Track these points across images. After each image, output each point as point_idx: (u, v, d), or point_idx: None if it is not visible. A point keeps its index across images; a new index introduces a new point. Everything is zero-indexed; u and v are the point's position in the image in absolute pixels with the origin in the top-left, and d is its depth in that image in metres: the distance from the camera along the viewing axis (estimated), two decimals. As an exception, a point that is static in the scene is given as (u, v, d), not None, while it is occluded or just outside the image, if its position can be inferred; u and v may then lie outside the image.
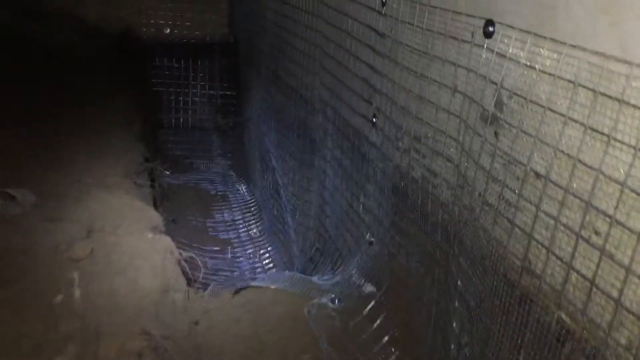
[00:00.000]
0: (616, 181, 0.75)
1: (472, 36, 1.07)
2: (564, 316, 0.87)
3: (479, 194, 1.06)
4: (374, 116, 1.54)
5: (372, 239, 1.61)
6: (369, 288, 1.60)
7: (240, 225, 2.81)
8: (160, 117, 3.22)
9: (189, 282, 1.61)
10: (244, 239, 2.72)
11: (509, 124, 0.96)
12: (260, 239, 2.69)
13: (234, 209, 2.96)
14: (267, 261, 2.50)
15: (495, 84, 1.00)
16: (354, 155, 1.69)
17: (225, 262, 2.47)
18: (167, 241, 1.52)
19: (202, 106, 3.31)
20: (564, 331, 0.87)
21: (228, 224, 2.83)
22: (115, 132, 2.40)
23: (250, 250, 2.61)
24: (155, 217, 1.63)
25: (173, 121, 3.29)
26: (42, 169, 1.83)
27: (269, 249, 2.58)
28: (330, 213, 1.93)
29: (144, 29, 3.15)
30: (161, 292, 1.41)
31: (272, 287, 1.63)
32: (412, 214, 1.37)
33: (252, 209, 2.92)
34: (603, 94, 0.77)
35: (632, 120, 0.72)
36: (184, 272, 1.56)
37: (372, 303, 1.54)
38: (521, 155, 0.93)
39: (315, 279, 1.79)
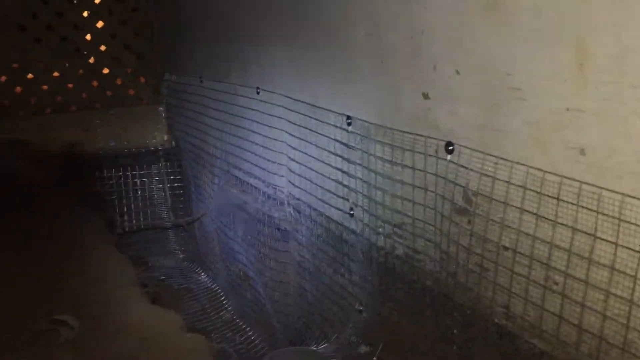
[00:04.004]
0: (564, 249, 1.18)
1: (436, 152, 1.50)
2: (536, 341, 1.28)
3: (462, 264, 1.46)
4: (351, 209, 1.93)
5: (361, 308, 1.98)
6: (366, 348, 1.95)
7: (212, 313, 3.07)
8: (115, 223, 3.44)
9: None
10: (218, 325, 2.98)
11: (478, 215, 1.39)
12: (234, 322, 2.96)
13: (200, 299, 3.21)
14: (250, 340, 2.78)
15: (462, 186, 1.42)
16: (334, 240, 2.06)
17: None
18: (200, 337, 1.80)
19: (153, 207, 3.57)
20: (539, 353, 1.28)
21: (199, 313, 3.08)
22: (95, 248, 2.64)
23: (229, 335, 2.87)
24: (177, 317, 1.91)
25: (127, 225, 3.52)
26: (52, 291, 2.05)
27: (247, 329, 2.86)
28: (312, 289, 2.28)
29: (91, 145, 3.40)
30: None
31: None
32: (399, 284, 1.75)
33: (219, 295, 3.19)
34: (545, 195, 1.20)
35: (568, 211, 1.16)
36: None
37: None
38: (492, 236, 1.35)
39: (313, 349, 2.12)
